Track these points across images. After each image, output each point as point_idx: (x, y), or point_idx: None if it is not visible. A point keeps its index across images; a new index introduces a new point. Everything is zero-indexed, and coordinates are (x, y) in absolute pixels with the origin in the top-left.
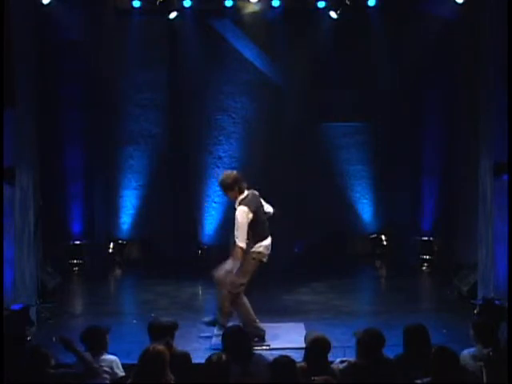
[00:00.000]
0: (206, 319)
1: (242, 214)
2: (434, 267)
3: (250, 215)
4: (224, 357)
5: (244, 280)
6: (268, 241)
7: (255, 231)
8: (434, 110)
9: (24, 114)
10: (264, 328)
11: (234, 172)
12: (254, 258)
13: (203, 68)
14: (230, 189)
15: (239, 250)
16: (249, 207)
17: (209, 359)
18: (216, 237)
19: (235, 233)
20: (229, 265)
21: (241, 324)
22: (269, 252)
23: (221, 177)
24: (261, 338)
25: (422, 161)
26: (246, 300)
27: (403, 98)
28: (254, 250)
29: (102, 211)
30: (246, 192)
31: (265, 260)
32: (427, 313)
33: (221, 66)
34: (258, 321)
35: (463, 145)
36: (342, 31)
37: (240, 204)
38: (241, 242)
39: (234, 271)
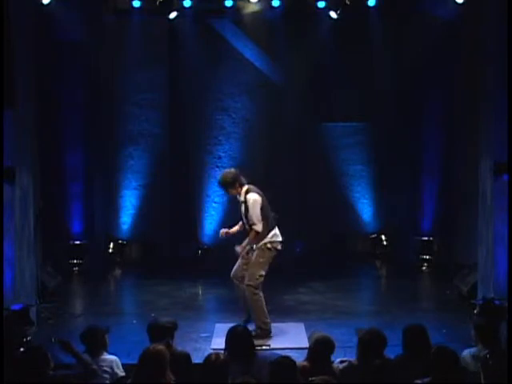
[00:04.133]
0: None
1: (256, 200)
2: (433, 267)
3: (260, 201)
4: (222, 356)
5: (263, 271)
6: (277, 229)
7: (266, 220)
8: (434, 109)
9: (24, 114)
10: (271, 329)
11: (232, 169)
12: (269, 248)
13: (203, 68)
14: (232, 186)
15: (254, 234)
16: (258, 194)
17: (207, 359)
18: (216, 237)
19: (249, 219)
20: (241, 252)
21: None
22: (281, 239)
23: (220, 177)
24: (264, 337)
25: (422, 161)
26: (262, 295)
27: (403, 98)
28: (268, 239)
29: (102, 211)
30: (246, 185)
31: (279, 247)
32: (427, 313)
33: (221, 66)
34: (268, 320)
35: (463, 145)
36: (342, 31)
37: (247, 193)
38: (257, 225)
39: (243, 252)
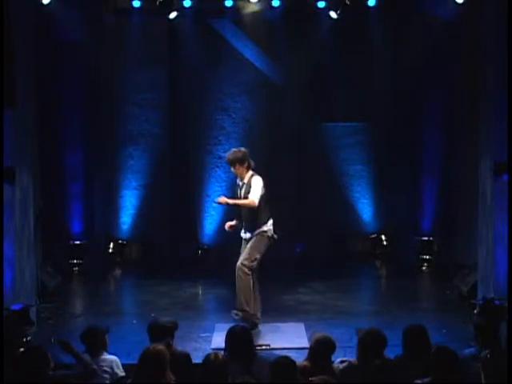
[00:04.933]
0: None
1: (260, 181)
2: (433, 267)
3: (263, 184)
4: (222, 356)
5: (258, 255)
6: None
7: (267, 207)
8: (434, 109)
9: (24, 114)
10: (259, 317)
11: (243, 148)
12: (269, 237)
13: (203, 68)
14: (241, 163)
15: (249, 201)
16: (262, 179)
17: (207, 359)
18: (216, 237)
19: (250, 193)
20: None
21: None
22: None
23: (230, 152)
24: (253, 325)
25: (422, 161)
26: (251, 282)
27: (403, 98)
28: (267, 227)
29: (102, 211)
30: (251, 171)
31: (276, 237)
32: (427, 313)
33: (221, 66)
34: (252, 304)
35: (463, 145)
36: (342, 31)
37: (252, 176)
38: (254, 198)
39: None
